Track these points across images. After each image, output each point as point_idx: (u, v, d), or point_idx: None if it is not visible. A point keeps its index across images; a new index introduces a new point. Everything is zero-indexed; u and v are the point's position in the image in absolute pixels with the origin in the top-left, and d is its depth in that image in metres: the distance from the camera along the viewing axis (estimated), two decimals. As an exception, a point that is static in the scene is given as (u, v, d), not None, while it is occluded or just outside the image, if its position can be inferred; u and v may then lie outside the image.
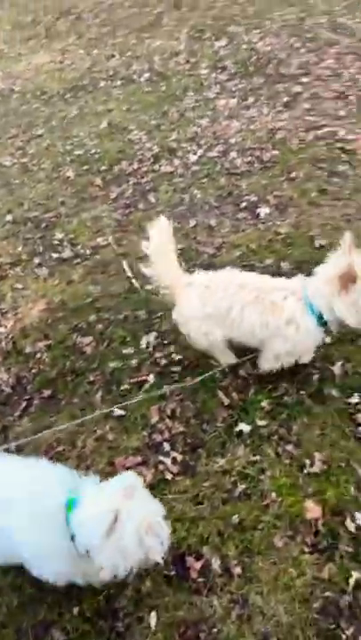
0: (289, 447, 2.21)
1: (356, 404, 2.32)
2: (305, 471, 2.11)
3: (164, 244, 2.26)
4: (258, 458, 2.18)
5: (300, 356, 2.34)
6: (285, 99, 5.09)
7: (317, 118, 4.68)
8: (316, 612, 1.73)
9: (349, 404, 2.32)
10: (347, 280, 1.97)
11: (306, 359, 2.41)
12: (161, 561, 1.52)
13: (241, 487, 2.08)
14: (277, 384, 2.47)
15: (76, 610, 1.81)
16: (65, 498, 1.61)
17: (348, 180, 3.83)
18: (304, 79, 5.38)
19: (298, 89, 5.23)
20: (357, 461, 2.12)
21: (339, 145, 4.25)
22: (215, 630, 1.73)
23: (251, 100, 5.18)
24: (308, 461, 2.14)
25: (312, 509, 1.97)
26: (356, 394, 2.34)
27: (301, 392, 2.41)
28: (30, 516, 1.61)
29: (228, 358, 2.51)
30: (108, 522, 1.45)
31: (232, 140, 4.57)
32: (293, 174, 4.00)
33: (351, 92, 4.97)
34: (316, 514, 1.95)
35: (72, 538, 1.57)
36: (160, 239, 2.24)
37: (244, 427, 2.30)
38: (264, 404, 2.39)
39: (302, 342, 2.23)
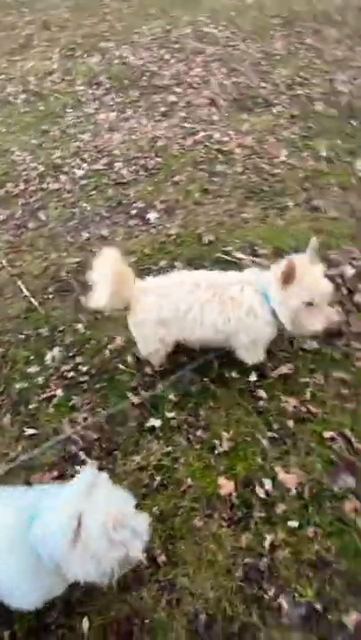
0: (199, 432, 2.31)
1: (255, 381, 2.47)
2: (215, 452, 2.22)
3: (113, 265, 2.20)
4: (171, 449, 2.25)
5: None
6: (162, 108, 5.28)
7: (193, 125, 4.92)
8: (240, 580, 1.83)
9: (249, 382, 2.47)
10: (286, 277, 2.01)
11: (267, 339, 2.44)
12: (141, 556, 1.43)
13: (158, 479, 2.13)
14: (182, 376, 2.56)
15: (7, 634, 1.76)
16: (26, 518, 1.51)
17: (227, 179, 4.07)
18: (177, 89, 5.62)
19: (173, 98, 5.46)
20: (261, 432, 2.26)
21: (215, 147, 4.49)
22: (147, 621, 1.76)
23: (129, 112, 5.31)
24: (217, 442, 2.25)
25: (225, 485, 2.07)
26: (253, 372, 2.49)
27: (205, 379, 2.53)
28: None
29: (162, 362, 2.55)
30: (70, 530, 1.36)
31: (116, 152, 4.66)
32: (177, 178, 4.17)
33: (221, 97, 5.27)
34: (230, 489, 2.06)
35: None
36: (108, 265, 2.19)
37: (154, 422, 2.36)
38: (171, 397, 2.47)
39: (262, 330, 2.25)
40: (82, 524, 1.36)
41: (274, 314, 2.17)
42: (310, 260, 2.07)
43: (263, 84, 5.37)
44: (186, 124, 4.95)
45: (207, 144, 4.57)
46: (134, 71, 6.12)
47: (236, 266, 3.16)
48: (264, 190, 3.86)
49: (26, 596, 1.58)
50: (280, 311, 2.12)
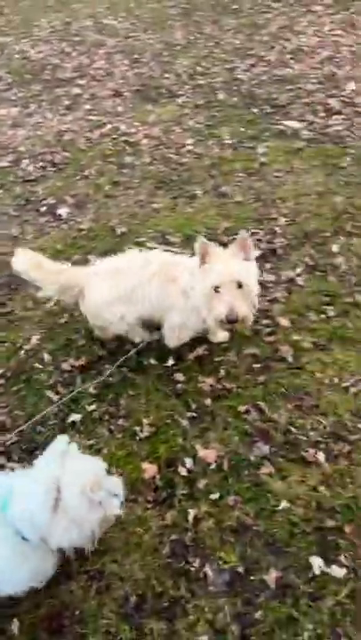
0: (120, 422, 2.33)
1: (173, 365, 2.53)
2: (137, 438, 2.25)
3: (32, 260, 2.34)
4: (93, 441, 2.26)
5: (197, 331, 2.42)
6: (67, 102, 5.20)
7: (100, 117, 4.88)
8: (167, 556, 1.88)
9: (167, 367, 2.52)
10: (202, 254, 2.06)
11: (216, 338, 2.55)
12: (120, 512, 1.52)
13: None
14: (101, 368, 2.57)
15: None
16: None
17: (136, 170, 4.09)
18: (81, 81, 5.55)
19: (77, 91, 5.38)
20: (180, 414, 2.32)
21: (123, 139, 4.49)
22: (78, 612, 1.77)
23: (33, 106, 5.18)
24: (138, 429, 2.28)
25: (149, 469, 2.11)
26: (170, 357, 2.55)
27: (123, 369, 2.55)
28: None
29: (143, 335, 2.58)
30: (50, 497, 1.39)
31: (21, 148, 4.53)
32: (86, 172, 4.13)
33: (125, 88, 5.27)
34: (153, 472, 2.10)
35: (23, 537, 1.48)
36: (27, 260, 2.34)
37: (75, 417, 2.36)
38: (91, 389, 2.47)
39: (193, 314, 2.27)
40: (61, 490, 1.40)
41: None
42: (236, 249, 2.07)
43: (166, 75, 5.42)
44: (92, 117, 4.91)
45: (114, 136, 4.56)
46: (35, 65, 5.97)
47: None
48: (173, 180, 3.92)
49: (15, 579, 1.60)
50: (197, 291, 2.14)
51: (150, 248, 3.24)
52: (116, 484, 1.59)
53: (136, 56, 5.90)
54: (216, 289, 2.03)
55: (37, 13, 7.24)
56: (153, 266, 2.28)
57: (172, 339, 2.47)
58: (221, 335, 2.57)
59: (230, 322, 2.02)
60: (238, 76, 5.20)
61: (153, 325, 2.52)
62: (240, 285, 2.02)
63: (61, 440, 1.60)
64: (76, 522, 1.46)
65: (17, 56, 6.17)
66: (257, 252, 3.14)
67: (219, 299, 2.03)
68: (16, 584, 1.64)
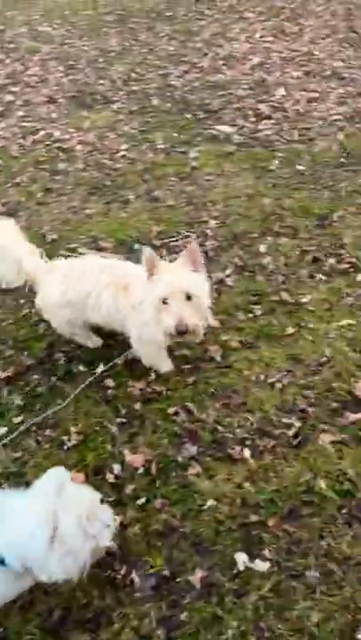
0: (47, 432, 2.29)
1: (103, 371, 2.50)
2: (65, 447, 2.21)
3: (10, 238, 2.31)
4: (19, 454, 2.20)
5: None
6: (-1, 108, 5.09)
7: (33, 123, 4.82)
8: (93, 566, 1.84)
9: (95, 373, 2.49)
10: (149, 267, 1.96)
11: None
12: (111, 544, 1.54)
13: (6, 487, 2.07)
14: (29, 379, 2.52)
15: None
16: None
17: (70, 176, 4.05)
18: (14, 88, 5.46)
19: (10, 98, 5.29)
20: (109, 420, 2.30)
21: (57, 145, 4.45)
22: (1, 629, 1.71)
23: None
24: (66, 438, 2.24)
25: (76, 478, 2.07)
26: (100, 363, 2.53)
27: (52, 377, 2.50)
28: None
29: (94, 342, 2.55)
30: (48, 530, 1.38)
31: None
32: (18, 179, 4.06)
33: (59, 95, 5.22)
34: (80, 480, 2.06)
35: (1, 562, 1.45)
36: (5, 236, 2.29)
37: (0, 430, 2.29)
38: (18, 401, 2.41)
39: (147, 327, 2.08)
40: (58, 522, 1.41)
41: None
42: (188, 258, 1.99)
43: (101, 81, 5.42)
44: (25, 124, 4.83)
45: (48, 143, 4.51)
46: (-34, 71, 5.81)
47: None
48: (106, 185, 3.90)
49: None
50: (144, 304, 2.02)
51: (81, 254, 3.21)
52: (109, 514, 1.58)
53: (71, 62, 5.87)
54: (164, 301, 1.93)
55: (-32, 19, 7.07)
56: (105, 276, 2.21)
57: (142, 355, 2.39)
58: (166, 365, 2.45)
59: (180, 333, 1.92)
60: (172, 83, 5.26)
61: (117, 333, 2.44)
62: (189, 297, 1.93)
63: (59, 470, 1.60)
64: (72, 553, 1.46)
65: None
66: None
67: (167, 310, 1.93)
68: None
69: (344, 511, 1.96)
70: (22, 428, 2.29)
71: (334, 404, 2.29)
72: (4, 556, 1.46)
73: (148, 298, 1.98)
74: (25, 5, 7.44)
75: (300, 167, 3.89)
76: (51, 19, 6.99)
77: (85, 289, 2.22)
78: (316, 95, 4.90)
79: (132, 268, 2.28)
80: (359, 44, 5.77)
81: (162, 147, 4.28)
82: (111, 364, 2.51)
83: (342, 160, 3.94)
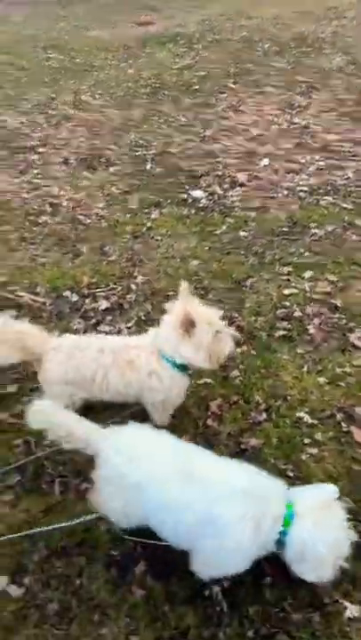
0: None
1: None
2: None
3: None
4: None
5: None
6: (22, 166, 5.88)
7: (42, 180, 5.51)
8: None
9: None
10: (187, 326, 2.11)
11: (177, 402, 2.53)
12: None
13: None
14: None
15: None
16: (283, 509, 1.71)
17: (45, 228, 4.60)
18: (41, 149, 6.27)
19: (34, 157, 6.08)
20: None
21: (50, 200, 5.06)
22: None
23: (-7, 169, 5.89)
24: None
25: None
26: None
27: None
28: (247, 519, 1.67)
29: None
30: (343, 545, 1.65)
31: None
32: (4, 227, 4.68)
33: (74, 156, 5.93)
34: None
35: (278, 544, 1.72)
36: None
37: None
38: None
39: (170, 389, 2.31)
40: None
41: (181, 367, 2.25)
42: (188, 300, 2.17)
43: (112, 146, 6.06)
44: (36, 180, 5.54)
45: (45, 198, 5.14)
46: (10, 134, 6.78)
47: (14, 302, 3.63)
48: (70, 238, 4.40)
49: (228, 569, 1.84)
50: (195, 357, 2.17)
51: (18, 296, 3.68)
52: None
53: (95, 129, 6.61)
54: (216, 333, 2.17)
55: (31, 88, 8.23)
56: (106, 355, 2.29)
57: (161, 415, 2.51)
58: (165, 417, 2.57)
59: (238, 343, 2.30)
60: (171, 150, 5.76)
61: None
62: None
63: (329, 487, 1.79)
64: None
65: (-2, 125, 7.04)
66: (107, 304, 3.52)
67: (219, 339, 2.18)
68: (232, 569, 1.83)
69: (114, 553, 2.10)
70: None
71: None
72: (291, 546, 1.73)
73: (204, 341, 2.14)
74: (80, 76, 8.51)
75: (243, 233, 4.11)
76: (96, 89, 7.93)
77: (89, 371, 2.29)
78: (297, 167, 5.12)
79: (129, 342, 2.39)
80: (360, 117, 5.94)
81: (133, 207, 4.72)
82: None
83: (285, 229, 4.11)
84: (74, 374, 2.32)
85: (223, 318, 2.26)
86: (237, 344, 2.28)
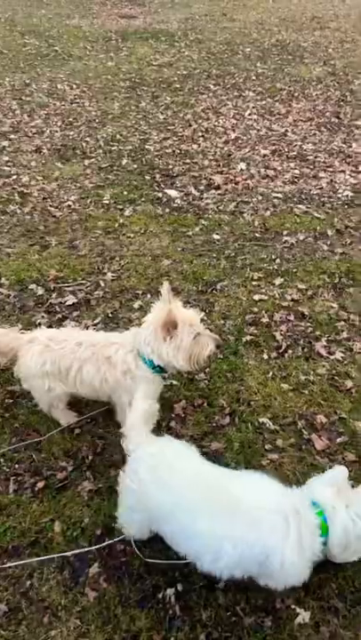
0: None
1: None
2: None
3: None
4: None
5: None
6: (-10, 153, 5.70)
7: (12, 168, 5.35)
8: None
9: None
10: (169, 327, 2.08)
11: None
12: None
13: None
14: None
15: None
16: (316, 519, 1.69)
17: (13, 218, 4.47)
18: (13, 136, 6.10)
19: (5, 144, 5.91)
20: None
21: (20, 190, 4.92)
22: None
23: None
24: None
25: None
26: None
27: None
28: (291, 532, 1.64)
29: (68, 418, 2.55)
30: None
31: None
32: (-31, 216, 4.52)
33: (47, 146, 5.80)
34: None
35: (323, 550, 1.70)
36: None
37: None
38: None
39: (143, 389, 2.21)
40: None
41: (158, 369, 2.22)
42: (170, 300, 2.13)
43: (87, 139, 5.97)
44: (5, 167, 5.38)
45: (15, 187, 5.00)
46: (-20, 119, 6.56)
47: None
48: (38, 229, 4.29)
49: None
50: (174, 358, 2.14)
51: (-19, 287, 3.56)
52: None
53: (71, 120, 6.49)
54: (196, 335, 2.15)
55: (5, 73, 8.00)
56: (84, 349, 2.26)
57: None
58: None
59: (219, 347, 2.27)
60: (147, 147, 5.71)
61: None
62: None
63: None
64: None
65: (-32, 110, 6.81)
66: (74, 299, 3.44)
67: (199, 342, 2.16)
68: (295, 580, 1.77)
69: (67, 554, 2.05)
70: None
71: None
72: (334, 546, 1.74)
73: (183, 343, 2.12)
74: (58, 64, 8.34)
75: (216, 236, 4.12)
76: (74, 79, 7.78)
77: (65, 363, 2.26)
78: (273, 173, 5.17)
79: (110, 337, 2.34)
80: (336, 129, 6.05)
81: (106, 202, 4.66)
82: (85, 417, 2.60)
83: (257, 235, 4.14)
84: (51, 366, 2.27)
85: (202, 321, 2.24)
86: (218, 347, 2.22)
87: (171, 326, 2.09)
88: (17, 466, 2.40)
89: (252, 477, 1.81)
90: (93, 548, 2.04)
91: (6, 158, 5.58)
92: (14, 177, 5.17)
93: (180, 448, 1.88)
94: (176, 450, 1.88)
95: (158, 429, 2.57)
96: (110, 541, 2.05)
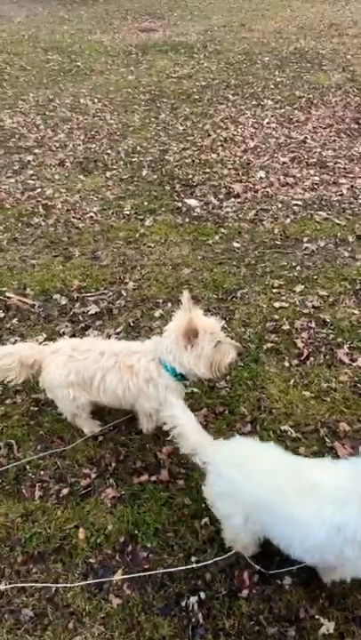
0: None
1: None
2: None
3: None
4: None
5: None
6: (16, 167, 5.87)
7: (36, 182, 5.50)
8: None
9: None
10: (190, 335, 2.11)
11: None
12: None
13: None
14: None
15: None
16: None
17: (38, 229, 4.59)
18: (37, 150, 6.26)
19: (30, 158, 6.07)
20: None
21: (43, 202, 5.05)
22: None
23: (-13, 168, 5.87)
24: None
25: None
26: None
27: None
28: None
29: (92, 426, 2.60)
30: None
31: None
32: (-4, 227, 4.66)
33: (70, 160, 5.93)
34: None
35: None
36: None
37: None
38: None
39: (165, 398, 2.26)
40: None
41: (180, 377, 2.25)
42: (191, 309, 2.14)
43: (109, 151, 6.08)
44: (30, 181, 5.53)
45: (39, 199, 5.13)
46: (6, 133, 6.76)
47: (2, 304, 3.61)
48: (62, 241, 4.39)
49: None
50: (195, 366, 2.18)
51: (7, 297, 3.66)
52: None
53: (93, 133, 6.63)
54: (217, 343, 2.18)
55: (30, 88, 8.23)
56: (107, 358, 2.30)
57: (146, 424, 2.51)
58: (151, 427, 2.57)
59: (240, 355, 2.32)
60: (167, 157, 5.79)
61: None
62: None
63: None
64: None
65: (-6, 125, 7.02)
66: (97, 309, 3.51)
67: (221, 348, 2.19)
68: None
69: (92, 560, 2.08)
70: None
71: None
72: None
73: (205, 351, 2.15)
74: (80, 79, 8.54)
75: (236, 244, 4.14)
76: (95, 93, 7.95)
77: (88, 373, 2.30)
78: (293, 180, 5.17)
79: (132, 346, 2.38)
80: (357, 135, 6.02)
81: (127, 213, 4.73)
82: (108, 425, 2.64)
83: (277, 242, 4.14)
84: (75, 376, 2.31)
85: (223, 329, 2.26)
86: (239, 355, 2.24)
87: (192, 334, 2.11)
88: (42, 472, 2.45)
89: (325, 463, 1.83)
90: (195, 565, 2.02)
91: (31, 172, 5.72)
92: (39, 190, 5.30)
93: (255, 443, 1.93)
94: (252, 445, 1.93)
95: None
96: (225, 556, 2.03)
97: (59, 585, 2.00)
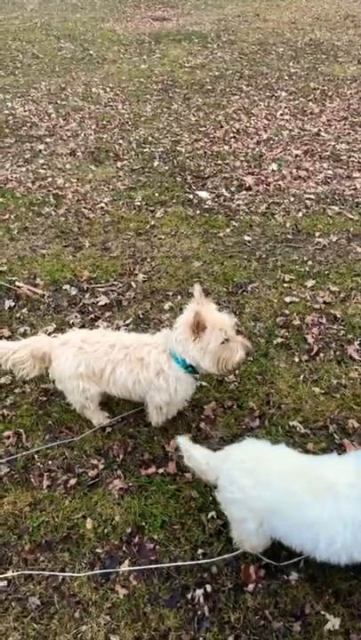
0: None
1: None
2: None
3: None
4: None
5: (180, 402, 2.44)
6: (28, 155, 5.85)
7: (47, 171, 5.48)
8: None
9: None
10: (195, 328, 2.11)
11: (180, 406, 2.53)
12: None
13: None
14: None
15: None
16: None
17: (48, 219, 4.58)
18: (48, 139, 6.24)
19: (41, 147, 6.05)
20: None
21: (54, 192, 5.03)
22: None
23: (-2, 157, 5.86)
24: None
25: None
26: None
27: None
28: None
29: (100, 418, 2.60)
30: None
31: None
32: (7, 216, 4.65)
33: (81, 149, 5.90)
34: None
35: None
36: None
37: None
38: None
39: (176, 390, 2.30)
40: None
41: (190, 369, 2.26)
42: (203, 302, 2.17)
43: (120, 141, 6.04)
44: (41, 170, 5.51)
45: (50, 189, 5.11)
46: (17, 121, 6.74)
47: (13, 293, 3.61)
48: (72, 231, 4.37)
49: None
50: (202, 360, 2.18)
51: (18, 287, 3.66)
52: None
53: (104, 122, 6.59)
54: (225, 340, 2.17)
55: (42, 77, 8.18)
56: (117, 350, 2.29)
57: (156, 417, 2.50)
58: (161, 420, 2.55)
59: (248, 354, 2.31)
60: (179, 148, 5.74)
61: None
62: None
63: None
64: None
65: (6, 112, 7.00)
66: (107, 300, 3.50)
67: (230, 346, 2.19)
68: None
69: (99, 550, 2.09)
70: None
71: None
72: None
73: (211, 346, 2.15)
74: (92, 68, 8.48)
75: (247, 237, 4.11)
76: (107, 82, 7.89)
77: (98, 365, 2.30)
78: (305, 174, 5.11)
79: (143, 339, 2.38)
80: (372, 129, 5.93)
81: (138, 204, 4.71)
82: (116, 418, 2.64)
83: (289, 236, 4.10)
84: (85, 368, 2.31)
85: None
86: (248, 354, 2.23)
87: (197, 327, 2.11)
88: (50, 462, 2.45)
89: (333, 459, 1.82)
90: (217, 558, 2.02)
91: (42, 161, 5.70)
92: (49, 179, 5.28)
93: (265, 446, 1.92)
94: (263, 449, 1.91)
95: (188, 431, 2.59)
96: (233, 554, 2.04)
97: (66, 574, 2.01)
